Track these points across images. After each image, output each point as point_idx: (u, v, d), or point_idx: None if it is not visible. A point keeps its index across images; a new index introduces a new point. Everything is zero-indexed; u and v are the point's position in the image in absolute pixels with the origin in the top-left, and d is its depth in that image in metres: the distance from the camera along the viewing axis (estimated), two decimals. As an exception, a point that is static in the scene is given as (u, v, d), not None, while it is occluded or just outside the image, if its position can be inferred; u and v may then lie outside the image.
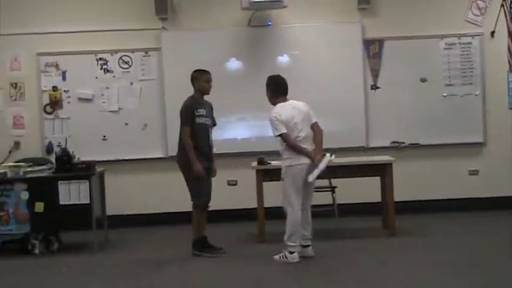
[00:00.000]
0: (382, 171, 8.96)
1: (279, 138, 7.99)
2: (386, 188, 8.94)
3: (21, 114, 10.49)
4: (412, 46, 10.50)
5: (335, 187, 9.66)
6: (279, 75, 8.33)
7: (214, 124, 8.71)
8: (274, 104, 8.20)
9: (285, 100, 8.20)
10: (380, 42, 10.52)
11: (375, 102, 10.49)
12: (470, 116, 10.49)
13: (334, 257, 7.95)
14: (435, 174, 10.46)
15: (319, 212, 9.75)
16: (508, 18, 9.86)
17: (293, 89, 10.30)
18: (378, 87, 10.53)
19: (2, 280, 7.64)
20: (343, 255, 8.05)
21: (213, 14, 10.52)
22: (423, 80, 10.49)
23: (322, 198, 9.74)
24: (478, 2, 10.51)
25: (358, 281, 6.92)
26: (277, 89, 8.25)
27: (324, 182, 9.61)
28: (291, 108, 8.09)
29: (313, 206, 9.54)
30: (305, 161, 7.92)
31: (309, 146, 8.01)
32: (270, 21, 10.46)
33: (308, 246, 8.06)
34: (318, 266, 7.58)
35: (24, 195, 8.62)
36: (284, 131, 7.93)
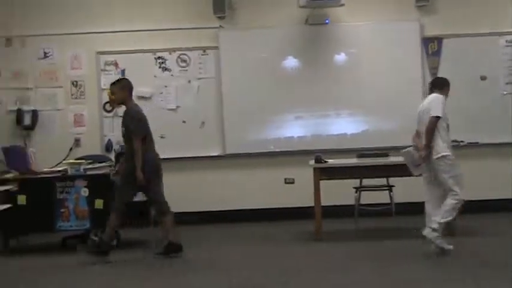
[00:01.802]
0: (440, 170, 8.84)
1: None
2: (444, 187, 8.83)
3: (82, 112, 10.66)
4: (472, 44, 10.38)
5: (392, 186, 9.59)
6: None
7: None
8: None
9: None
10: (439, 40, 10.43)
11: (433, 101, 10.37)
12: (532, 114, 10.33)
13: (391, 258, 7.89)
14: (495, 174, 10.31)
15: (377, 211, 9.74)
16: None
17: (351, 87, 10.37)
18: (436, 85, 10.41)
19: (63, 275, 7.76)
20: (399, 255, 7.98)
21: (271, 13, 10.53)
22: (483, 78, 10.36)
23: (381, 197, 9.71)
24: (540, -2, 10.35)
25: (412, 280, 6.87)
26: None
27: (382, 181, 9.57)
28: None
29: (371, 205, 9.58)
30: None
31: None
32: (327, 20, 10.44)
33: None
34: (373, 267, 7.52)
35: (84, 192, 8.74)
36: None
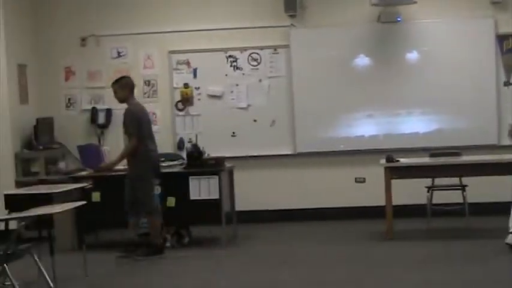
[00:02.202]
0: (516, 169, 8.73)
1: None
2: (520, 186, 8.71)
3: (154, 111, 10.76)
4: (548, 40, 10.18)
5: (466, 185, 9.47)
6: None
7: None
8: None
9: None
10: (514, 37, 10.25)
11: (507, 99, 10.21)
12: None
13: (464, 258, 7.79)
14: None
15: (450, 211, 9.63)
16: None
17: (423, 85, 10.26)
18: (511, 84, 10.24)
19: (135, 272, 7.90)
20: (473, 255, 7.88)
21: (342, 11, 10.48)
22: (558, 75, 10.14)
23: (453, 197, 9.60)
24: None
25: (486, 282, 6.77)
26: None
27: (455, 181, 9.46)
28: None
29: (443, 205, 9.47)
30: None
31: None
32: (399, 17, 10.34)
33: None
34: (447, 267, 7.45)
35: (157, 190, 8.85)
36: None
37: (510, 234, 7.85)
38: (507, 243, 7.86)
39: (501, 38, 10.25)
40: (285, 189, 10.54)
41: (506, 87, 10.25)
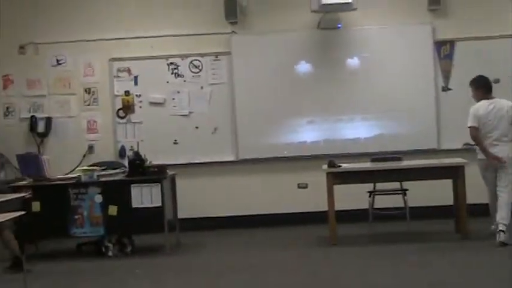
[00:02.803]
0: (454, 173, 8.84)
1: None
2: (459, 190, 8.82)
3: (95, 119, 10.68)
4: (484, 46, 10.33)
5: (406, 190, 9.57)
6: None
7: None
8: (478, 101, 8.82)
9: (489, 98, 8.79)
10: (451, 43, 10.40)
11: (446, 104, 10.36)
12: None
13: (406, 261, 7.87)
14: (509, 177, 10.25)
15: (391, 215, 9.72)
16: None
17: (363, 91, 10.35)
18: (449, 89, 10.40)
19: (77, 282, 7.79)
20: (415, 258, 7.96)
21: (283, 17, 10.52)
22: (496, 81, 10.25)
23: (394, 201, 9.69)
24: (552, 0, 10.31)
25: (431, 283, 6.85)
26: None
27: (396, 185, 9.56)
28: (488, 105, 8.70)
29: (385, 209, 9.56)
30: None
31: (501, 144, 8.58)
32: (339, 24, 10.43)
33: (501, 231, 8.27)
34: (389, 270, 7.51)
35: (98, 199, 8.76)
36: (472, 124, 8.62)
37: (502, 232, 8.26)
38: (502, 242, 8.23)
39: (439, 44, 10.41)
40: (227, 196, 10.53)
41: (444, 93, 10.40)
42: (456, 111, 10.27)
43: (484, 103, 8.76)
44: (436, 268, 7.45)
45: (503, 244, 8.19)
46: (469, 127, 8.71)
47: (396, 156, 9.54)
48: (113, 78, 10.65)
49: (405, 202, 9.54)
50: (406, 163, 9.29)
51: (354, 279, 7.21)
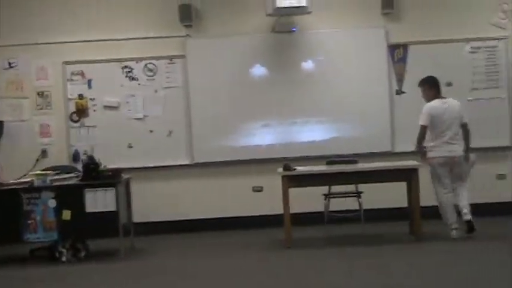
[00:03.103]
0: (408, 176, 8.91)
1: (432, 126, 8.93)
2: (412, 193, 8.90)
3: (48, 123, 10.57)
4: (437, 50, 10.45)
5: (361, 192, 9.62)
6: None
7: None
8: (430, 100, 9.04)
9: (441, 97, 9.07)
10: (404, 47, 10.49)
11: (400, 107, 10.45)
12: (497, 119, 10.41)
13: (361, 263, 7.90)
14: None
15: (345, 218, 9.77)
16: (534, 21, 9.81)
17: (318, 94, 10.39)
18: (403, 92, 10.49)
19: (31, 286, 7.70)
20: (369, 260, 8.01)
21: (238, 21, 10.53)
22: (448, 84, 10.40)
23: (349, 204, 9.75)
24: (504, 5, 10.45)
25: (386, 285, 6.89)
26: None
27: (350, 188, 9.61)
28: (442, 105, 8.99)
29: (340, 212, 9.62)
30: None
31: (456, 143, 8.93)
32: (294, 27, 10.46)
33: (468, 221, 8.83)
34: (344, 272, 7.53)
35: (52, 203, 8.65)
36: (425, 123, 8.86)
37: (454, 230, 8.79)
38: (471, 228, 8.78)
39: (393, 48, 10.50)
40: (183, 199, 10.50)
41: (398, 96, 10.48)
42: (410, 114, 10.33)
43: (438, 102, 8.93)
44: (392, 270, 7.50)
45: (472, 230, 8.77)
46: (421, 125, 8.88)
47: (352, 159, 9.61)
48: (66, 82, 10.55)
49: (360, 204, 9.60)
50: (361, 166, 9.35)
51: (309, 282, 7.21)
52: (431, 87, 9.12)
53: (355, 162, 9.51)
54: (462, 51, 10.47)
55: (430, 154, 8.97)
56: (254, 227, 10.22)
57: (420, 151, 9.03)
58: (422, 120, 8.91)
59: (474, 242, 8.69)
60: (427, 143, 8.98)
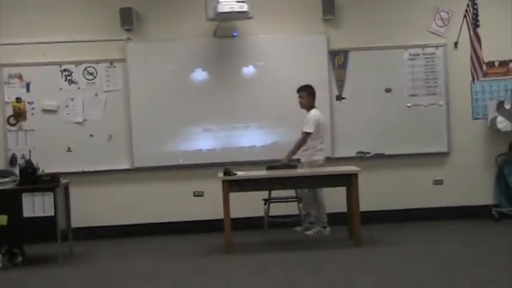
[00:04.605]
0: (348, 181, 8.97)
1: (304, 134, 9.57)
2: (352, 198, 8.97)
3: (-16, 126, 10.40)
4: (377, 57, 10.55)
5: (301, 197, 9.67)
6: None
7: None
8: (309, 109, 9.70)
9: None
10: (345, 53, 10.57)
11: (340, 113, 10.52)
12: (435, 126, 10.56)
13: (300, 268, 7.94)
14: (400, 184, 10.50)
15: (287, 222, 9.81)
16: (471, 29, 9.95)
17: (259, 99, 10.41)
18: (343, 98, 10.56)
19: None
20: (309, 265, 8.04)
21: (179, 25, 10.49)
22: (388, 91, 10.55)
23: (290, 209, 9.80)
24: (442, 13, 10.61)
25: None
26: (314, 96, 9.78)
27: (291, 192, 9.66)
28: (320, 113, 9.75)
29: (280, 217, 9.67)
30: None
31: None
32: (235, 32, 10.46)
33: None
34: (284, 277, 7.55)
35: (-13, 208, 8.52)
36: (313, 131, 9.55)
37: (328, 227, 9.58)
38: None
39: (333, 54, 10.57)
40: (122, 204, 10.41)
41: (338, 101, 10.56)
42: (350, 120, 10.50)
43: (318, 111, 9.69)
44: (330, 275, 7.54)
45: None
46: (309, 133, 9.51)
47: (291, 164, 9.64)
48: (3, 85, 10.37)
49: (300, 210, 9.65)
50: (301, 171, 9.40)
51: (246, 287, 7.23)
52: (310, 95, 9.72)
53: (295, 167, 9.55)
54: (401, 57, 10.58)
55: (315, 157, 9.55)
56: (194, 232, 10.19)
57: (292, 156, 9.62)
58: (311, 128, 9.52)
59: (411, 246, 8.80)
60: (311, 147, 9.58)
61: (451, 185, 10.57)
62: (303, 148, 9.66)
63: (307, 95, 9.72)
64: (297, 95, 9.77)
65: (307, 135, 9.53)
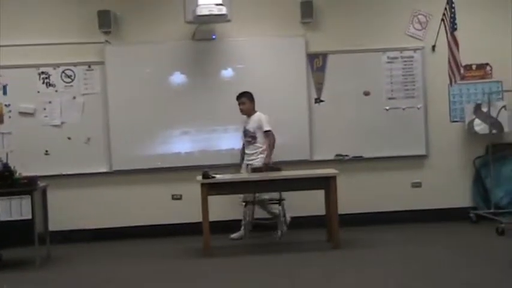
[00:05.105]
0: (326, 184, 8.99)
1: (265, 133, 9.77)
2: (330, 200, 8.98)
3: (-38, 129, 10.32)
4: (355, 60, 10.57)
5: (282, 199, 9.68)
6: None
7: None
8: (251, 113, 9.89)
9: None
10: (323, 56, 10.58)
11: (318, 116, 10.53)
12: (413, 129, 10.59)
13: (278, 271, 7.94)
14: (379, 187, 10.53)
15: (265, 224, 9.81)
16: (448, 32, 10.00)
17: (237, 102, 10.36)
18: (321, 101, 10.57)
19: None
20: (287, 268, 8.05)
21: (157, 28, 10.46)
22: (366, 94, 10.58)
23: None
24: (419, 16, 10.66)
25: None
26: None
27: (272, 195, 9.67)
28: None
29: (259, 219, 9.66)
30: None
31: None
32: (214, 35, 10.45)
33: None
34: (261, 280, 7.55)
35: (-36, 211, 8.47)
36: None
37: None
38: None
39: (312, 57, 10.58)
40: (101, 207, 10.36)
41: (317, 104, 10.57)
42: (328, 122, 10.51)
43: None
44: (307, 277, 7.55)
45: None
46: (270, 130, 9.73)
47: (274, 166, 9.66)
48: (-20, 87, 10.33)
49: (279, 212, 9.65)
50: (278, 174, 9.40)
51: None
52: (252, 100, 9.89)
53: (279, 169, 9.58)
54: (379, 61, 10.61)
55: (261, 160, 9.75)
56: (173, 235, 10.16)
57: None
58: (270, 126, 9.77)
59: (390, 249, 8.84)
60: (261, 149, 9.78)
61: (429, 188, 10.61)
62: (249, 152, 9.88)
63: (248, 101, 9.86)
64: (238, 102, 9.93)
65: (271, 133, 9.72)
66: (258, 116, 9.81)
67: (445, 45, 10.10)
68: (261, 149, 9.75)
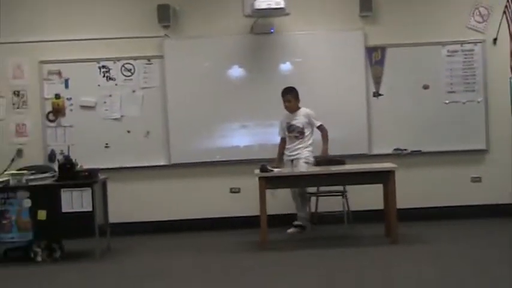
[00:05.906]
0: (385, 178, 8.93)
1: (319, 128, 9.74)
2: (389, 195, 8.92)
3: (24, 122, 10.50)
4: (414, 53, 10.48)
5: (345, 192, 9.68)
6: None
7: None
8: (296, 110, 9.76)
9: None
10: (382, 49, 10.52)
11: (377, 110, 10.47)
12: (473, 123, 10.47)
13: (336, 265, 7.92)
14: (437, 182, 10.43)
15: (327, 219, 9.80)
16: (511, 25, 9.85)
17: (296, 96, 10.34)
18: (380, 95, 10.51)
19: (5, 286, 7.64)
20: (345, 262, 8.02)
21: (216, 21, 10.51)
22: (425, 87, 10.48)
23: (333, 204, 9.81)
24: (480, 8, 10.51)
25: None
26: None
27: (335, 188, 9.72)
28: None
29: (320, 213, 9.63)
30: None
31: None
32: (272, 29, 10.45)
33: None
34: (320, 274, 7.54)
35: (27, 203, 8.60)
36: None
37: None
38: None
39: (370, 50, 10.52)
40: (159, 200, 10.46)
41: (375, 98, 10.51)
42: (387, 116, 10.44)
43: None
44: (366, 273, 7.51)
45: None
46: (323, 124, 9.69)
47: (339, 159, 9.64)
48: (42, 81, 10.48)
49: (343, 205, 9.64)
50: (337, 168, 9.37)
51: (282, 284, 7.22)
52: (297, 97, 9.73)
53: (344, 162, 9.56)
54: (439, 54, 10.50)
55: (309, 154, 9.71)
56: (231, 228, 10.20)
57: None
58: (321, 120, 9.71)
59: (448, 245, 8.75)
60: (308, 144, 9.71)
61: (489, 183, 10.47)
62: (293, 147, 9.74)
63: (294, 99, 9.72)
64: (283, 98, 9.80)
65: (324, 126, 9.67)
66: (304, 111, 9.72)
67: (506, 38, 9.98)
68: (308, 143, 9.69)
